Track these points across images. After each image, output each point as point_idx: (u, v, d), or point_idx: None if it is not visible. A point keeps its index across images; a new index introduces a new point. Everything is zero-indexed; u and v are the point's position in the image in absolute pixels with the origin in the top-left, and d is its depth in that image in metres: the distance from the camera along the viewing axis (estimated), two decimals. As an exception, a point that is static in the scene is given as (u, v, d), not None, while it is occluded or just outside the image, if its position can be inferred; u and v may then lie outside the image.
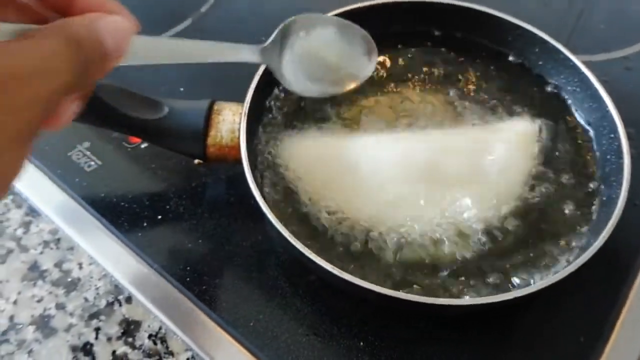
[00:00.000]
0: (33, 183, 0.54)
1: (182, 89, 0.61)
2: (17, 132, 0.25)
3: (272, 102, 0.54)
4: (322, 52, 0.48)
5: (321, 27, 0.48)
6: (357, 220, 0.47)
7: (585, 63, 0.53)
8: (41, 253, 0.51)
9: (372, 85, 0.56)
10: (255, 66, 0.51)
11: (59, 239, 0.52)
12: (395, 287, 0.44)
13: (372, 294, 0.40)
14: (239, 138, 0.47)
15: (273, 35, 0.45)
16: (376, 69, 0.57)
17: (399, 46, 0.60)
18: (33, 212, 0.54)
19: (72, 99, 0.30)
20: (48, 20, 0.29)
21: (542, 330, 0.46)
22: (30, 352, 0.46)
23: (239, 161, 0.46)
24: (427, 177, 0.48)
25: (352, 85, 0.49)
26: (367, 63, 0.49)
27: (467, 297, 0.43)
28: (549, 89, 0.57)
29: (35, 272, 0.50)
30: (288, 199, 0.48)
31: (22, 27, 0.27)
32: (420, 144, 0.50)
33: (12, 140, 0.25)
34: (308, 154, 0.50)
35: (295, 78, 0.47)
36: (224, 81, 0.59)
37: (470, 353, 0.45)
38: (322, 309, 0.47)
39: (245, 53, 0.43)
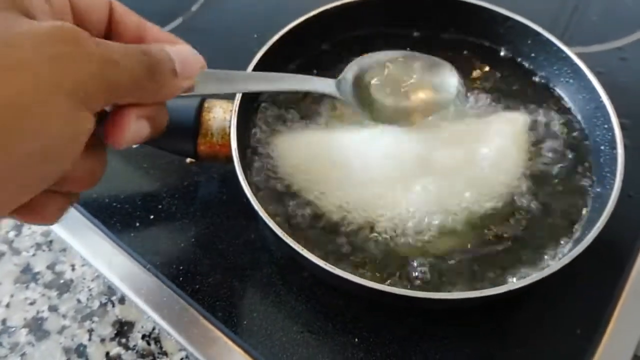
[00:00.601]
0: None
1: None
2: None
3: (264, 100, 0.54)
4: (393, 90, 0.49)
5: (392, 66, 0.50)
6: (350, 215, 0.46)
7: (580, 54, 0.53)
8: (33, 255, 0.51)
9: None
10: (246, 63, 0.51)
11: (51, 241, 0.52)
12: (389, 282, 0.43)
13: (365, 290, 0.40)
14: (229, 135, 0.47)
15: (343, 72, 0.48)
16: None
17: (384, 43, 0.59)
18: (25, 214, 0.54)
19: (138, 113, 0.31)
20: None
21: (538, 324, 0.46)
22: (23, 355, 0.46)
23: (230, 159, 0.46)
24: (419, 170, 0.47)
25: (429, 116, 0.50)
26: (444, 92, 0.50)
27: (459, 291, 0.43)
28: (541, 80, 0.56)
29: (27, 274, 0.50)
30: (280, 196, 0.48)
31: None
32: (411, 137, 0.49)
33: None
34: (300, 150, 0.50)
35: (370, 112, 0.49)
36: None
37: (465, 348, 0.44)
38: (316, 306, 0.46)
39: (320, 85, 0.46)
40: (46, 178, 0.27)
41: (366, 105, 0.49)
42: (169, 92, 0.32)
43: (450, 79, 0.50)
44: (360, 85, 0.48)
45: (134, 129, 0.31)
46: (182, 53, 0.33)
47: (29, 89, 0.24)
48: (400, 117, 0.49)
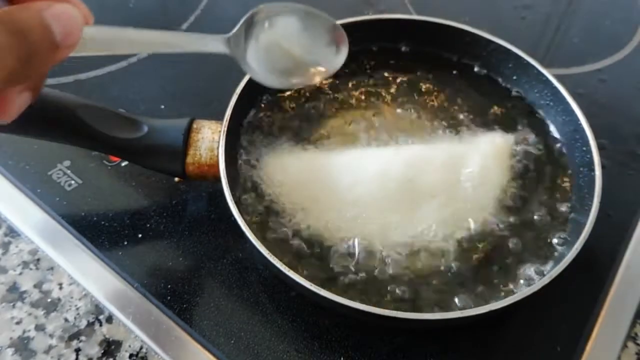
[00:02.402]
0: (12, 203, 0.54)
1: (162, 107, 0.62)
2: None
3: (252, 120, 0.55)
4: (286, 42, 0.46)
5: (287, 17, 0.46)
6: (336, 235, 0.47)
7: (560, 76, 0.55)
8: (20, 274, 0.51)
9: (347, 102, 0.57)
10: (235, 83, 0.52)
11: (38, 259, 0.52)
12: (375, 302, 0.44)
13: (351, 310, 0.40)
14: (217, 156, 0.47)
15: (238, 25, 0.44)
16: (349, 85, 0.58)
17: (370, 63, 0.61)
18: (12, 232, 0.54)
19: (20, 89, 0.30)
20: None
21: (519, 341, 0.47)
22: (9, 374, 0.46)
23: (218, 179, 0.47)
24: (403, 191, 0.48)
25: (318, 78, 0.48)
26: (335, 55, 0.48)
27: (442, 311, 0.43)
28: (522, 103, 0.58)
29: (14, 293, 0.50)
30: (268, 216, 0.49)
31: None
32: (396, 158, 0.50)
33: None
34: (287, 170, 0.51)
35: (260, 68, 0.45)
36: (204, 99, 0.60)
37: (449, 366, 0.45)
38: (303, 325, 0.47)
39: (210, 43, 0.42)
40: None
41: (258, 64, 0.45)
42: (48, 66, 0.29)
43: (340, 41, 0.49)
44: (251, 39, 0.45)
45: (18, 103, 0.30)
46: (64, 16, 0.29)
47: None
48: (287, 77, 0.47)
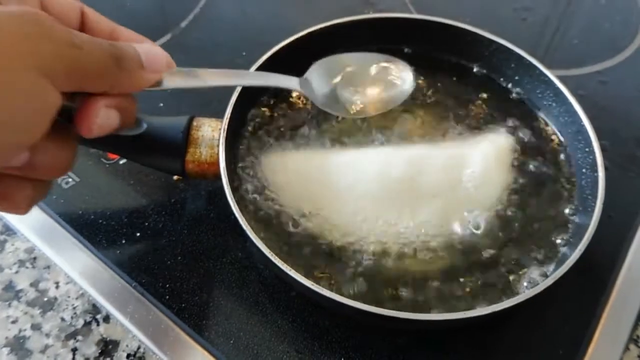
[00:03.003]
0: None
1: (161, 105, 0.61)
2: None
3: (252, 118, 0.54)
4: (353, 83, 0.52)
5: (351, 62, 0.53)
6: (337, 235, 0.47)
7: (560, 78, 0.54)
8: (16, 272, 0.51)
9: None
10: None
11: (34, 258, 0.51)
12: (375, 302, 0.44)
13: (352, 310, 0.40)
14: (218, 154, 0.47)
15: (310, 70, 0.51)
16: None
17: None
18: (8, 230, 0.53)
19: (107, 102, 0.32)
20: None
21: (521, 344, 0.46)
22: (4, 374, 0.45)
23: (218, 177, 0.46)
24: (404, 191, 0.48)
25: (386, 108, 0.52)
26: (398, 86, 0.53)
27: (444, 312, 0.43)
28: (523, 103, 0.58)
29: (10, 292, 0.49)
30: (268, 215, 0.48)
31: None
32: (397, 159, 0.50)
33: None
34: (287, 169, 0.50)
35: (330, 103, 0.51)
36: (203, 97, 0.60)
37: (451, 367, 0.45)
38: (303, 326, 0.46)
39: (283, 81, 0.48)
40: (13, 149, 0.29)
41: (328, 101, 0.51)
42: (136, 83, 0.34)
43: (404, 74, 0.53)
44: (322, 83, 0.51)
45: (103, 117, 0.32)
46: (150, 49, 0.35)
47: None
48: (359, 110, 0.52)
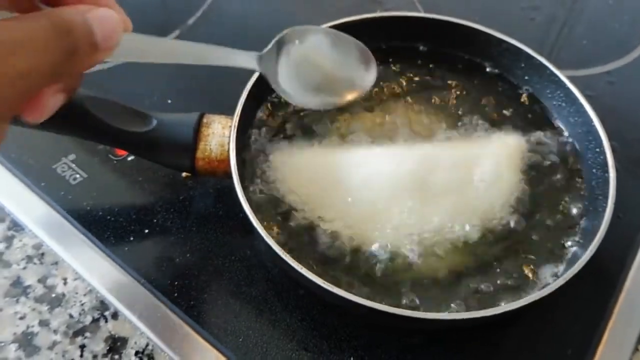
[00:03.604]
0: (16, 196, 0.53)
1: (169, 101, 0.61)
2: None
3: (262, 115, 0.54)
4: (318, 62, 0.48)
5: (317, 38, 0.48)
6: (347, 233, 0.47)
7: (569, 78, 0.54)
8: (24, 268, 0.50)
9: (362, 99, 0.56)
10: (245, 79, 0.51)
11: (42, 254, 0.51)
12: (385, 301, 0.43)
13: (362, 308, 0.40)
14: (228, 151, 0.47)
15: (270, 44, 0.45)
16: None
17: (387, 61, 0.60)
18: (16, 226, 0.53)
19: (55, 89, 0.30)
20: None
21: (530, 344, 0.46)
22: (12, 370, 0.45)
23: (228, 175, 0.46)
24: (415, 190, 0.48)
25: (350, 97, 0.49)
26: (365, 74, 0.49)
27: (455, 311, 0.43)
28: (533, 103, 0.57)
29: (18, 288, 0.49)
30: (278, 213, 0.48)
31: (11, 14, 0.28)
32: (408, 158, 0.50)
33: None
34: (298, 167, 0.50)
35: (292, 89, 0.46)
36: (213, 94, 0.60)
37: (460, 367, 0.45)
38: (311, 324, 0.46)
39: (242, 59, 0.43)
40: None
41: (289, 83, 0.46)
42: (86, 66, 0.30)
43: (369, 62, 0.50)
44: (282, 59, 0.46)
45: (51, 104, 0.30)
46: (106, 20, 0.30)
47: None
48: (319, 96, 0.48)
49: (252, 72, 0.51)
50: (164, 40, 0.38)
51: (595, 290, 0.49)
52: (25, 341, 0.46)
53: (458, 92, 0.58)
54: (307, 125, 0.54)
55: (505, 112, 0.56)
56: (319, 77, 0.47)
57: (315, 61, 0.48)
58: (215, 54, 0.41)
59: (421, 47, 0.61)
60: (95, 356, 0.46)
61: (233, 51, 0.42)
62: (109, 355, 0.46)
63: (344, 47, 0.49)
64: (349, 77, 0.49)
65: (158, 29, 0.69)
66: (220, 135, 0.48)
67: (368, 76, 0.49)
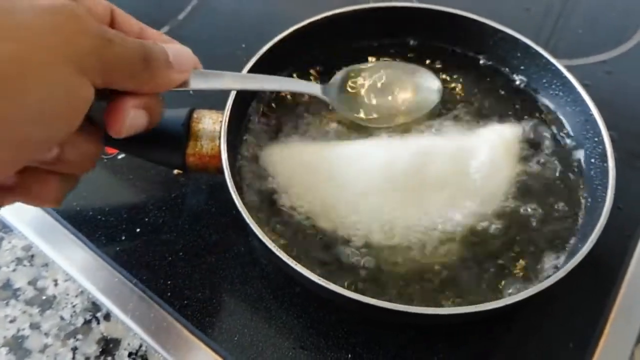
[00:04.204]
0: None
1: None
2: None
3: (254, 110, 0.53)
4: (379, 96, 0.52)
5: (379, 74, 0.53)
6: (342, 228, 0.46)
7: (565, 67, 0.53)
8: (14, 270, 0.49)
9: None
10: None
11: (32, 256, 0.50)
12: (382, 296, 0.43)
13: (359, 305, 0.39)
14: (219, 147, 0.46)
15: (333, 79, 0.52)
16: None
17: (374, 54, 0.59)
18: (5, 227, 0.52)
19: (136, 103, 0.33)
20: None
21: (532, 337, 0.45)
22: (2, 375, 0.44)
23: (220, 170, 0.45)
24: (410, 183, 0.47)
25: (411, 118, 0.52)
26: (425, 96, 0.53)
27: (453, 306, 0.42)
28: (530, 93, 0.57)
29: (7, 290, 0.48)
30: (271, 208, 0.47)
31: None
32: (404, 150, 0.49)
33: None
34: (291, 161, 0.49)
35: (350, 112, 0.51)
36: (202, 90, 0.58)
37: (460, 362, 0.44)
38: (308, 322, 0.45)
39: (307, 88, 0.50)
40: (42, 141, 0.29)
41: (351, 109, 0.52)
42: (164, 82, 0.34)
43: (431, 82, 0.54)
44: (345, 90, 0.52)
45: (132, 117, 0.33)
46: (177, 49, 0.36)
47: (29, 51, 0.26)
48: (384, 119, 0.52)
49: (240, 66, 0.50)
50: (235, 75, 0.43)
51: (596, 282, 0.48)
52: (16, 345, 0.45)
53: (452, 85, 0.57)
54: (300, 120, 0.53)
55: (500, 102, 0.56)
56: (378, 105, 0.52)
57: (374, 92, 0.53)
58: (282, 85, 0.49)
59: (413, 41, 0.60)
60: (87, 358, 0.45)
61: (298, 81, 0.52)
62: (102, 357, 0.45)
63: (403, 73, 0.54)
64: (410, 104, 0.53)
65: (148, 24, 0.67)
66: (211, 130, 0.47)
67: (428, 99, 0.53)
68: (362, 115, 0.52)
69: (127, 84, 0.32)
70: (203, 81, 0.38)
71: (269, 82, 0.47)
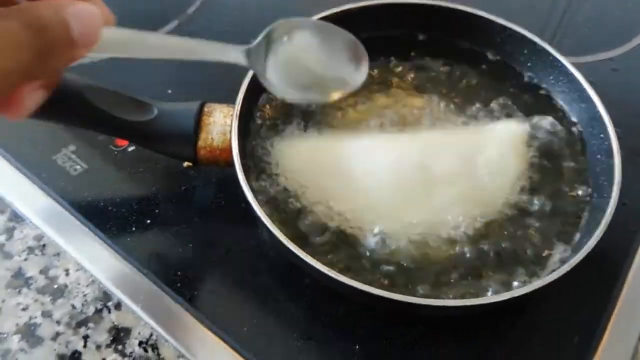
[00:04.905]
0: (17, 188, 0.53)
1: (170, 91, 0.60)
2: None
3: (264, 104, 0.54)
4: (306, 57, 0.45)
5: (307, 32, 0.45)
6: (351, 222, 0.46)
7: (572, 65, 0.54)
8: (25, 260, 0.50)
9: (361, 89, 0.55)
10: (245, 68, 0.51)
11: (44, 245, 0.51)
12: (390, 289, 0.43)
13: (368, 297, 0.39)
14: (230, 140, 0.46)
15: (258, 38, 0.43)
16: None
17: (384, 51, 0.59)
18: (17, 217, 0.52)
19: (34, 86, 0.29)
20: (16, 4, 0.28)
21: (537, 332, 0.46)
22: (15, 362, 0.44)
23: (230, 164, 0.46)
24: (419, 178, 0.47)
25: (338, 94, 0.46)
26: (355, 71, 0.46)
27: (461, 299, 0.43)
28: (537, 90, 0.57)
29: (19, 279, 0.49)
30: (280, 201, 0.48)
31: None
32: (412, 146, 0.50)
33: None
34: (301, 155, 0.50)
35: (280, 83, 0.43)
36: (213, 83, 0.59)
37: (465, 354, 0.45)
38: (316, 314, 0.46)
39: (229, 53, 0.41)
40: None
41: (277, 78, 0.43)
42: (63, 63, 0.29)
43: (360, 58, 0.47)
44: (271, 53, 0.43)
45: (31, 101, 0.30)
46: (83, 14, 0.28)
47: None
48: (308, 92, 0.45)
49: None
50: (149, 35, 0.35)
51: (600, 277, 0.49)
52: (28, 332, 0.46)
53: (459, 80, 0.57)
54: (310, 115, 0.53)
55: (508, 98, 0.56)
56: (308, 74, 0.45)
57: (304, 57, 0.45)
58: (202, 49, 0.39)
59: (420, 37, 0.60)
60: (98, 347, 0.45)
61: (221, 45, 0.40)
62: (113, 346, 0.45)
63: (336, 41, 0.46)
64: (339, 74, 0.46)
65: (156, 19, 0.68)
66: (222, 124, 0.48)
67: (359, 74, 0.46)
68: (286, 91, 0.44)
69: (22, 80, 0.28)
70: (112, 48, 0.32)
71: (185, 49, 0.39)
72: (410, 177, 0.48)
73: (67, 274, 0.49)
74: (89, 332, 0.46)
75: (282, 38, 0.43)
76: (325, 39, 0.45)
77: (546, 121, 0.54)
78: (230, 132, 0.47)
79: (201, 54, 0.39)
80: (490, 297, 0.39)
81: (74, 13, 0.28)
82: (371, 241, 0.46)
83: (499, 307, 0.41)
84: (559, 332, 0.46)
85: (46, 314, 0.47)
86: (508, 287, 0.44)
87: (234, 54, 0.41)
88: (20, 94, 0.29)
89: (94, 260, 0.49)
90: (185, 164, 0.54)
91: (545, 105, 0.56)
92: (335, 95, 0.46)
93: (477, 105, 0.55)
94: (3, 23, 0.25)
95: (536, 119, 0.54)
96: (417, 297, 0.42)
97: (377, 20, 0.59)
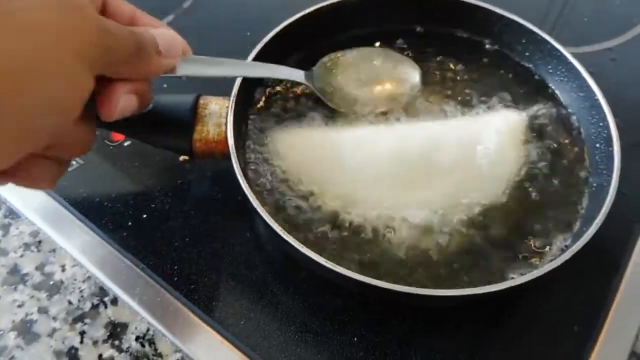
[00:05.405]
0: (12, 184, 0.52)
1: (165, 85, 0.60)
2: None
3: (259, 96, 0.53)
4: (351, 80, 0.53)
5: (360, 58, 0.54)
6: (348, 213, 0.46)
7: (571, 54, 0.53)
8: (21, 256, 0.50)
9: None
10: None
11: (40, 241, 0.51)
12: (388, 279, 0.43)
13: (366, 288, 0.39)
14: (226, 132, 0.46)
15: (317, 64, 0.53)
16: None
17: (382, 44, 0.59)
18: (12, 214, 0.52)
19: (129, 88, 0.34)
20: None
21: (537, 320, 0.46)
22: (12, 358, 0.44)
23: (226, 156, 0.45)
24: (418, 168, 0.47)
25: (391, 106, 0.52)
26: (407, 87, 0.53)
27: (460, 288, 0.42)
28: (535, 79, 0.57)
29: (15, 276, 0.48)
30: (277, 193, 0.47)
31: None
32: (410, 135, 0.49)
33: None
34: (297, 147, 0.49)
35: (334, 98, 0.52)
36: (208, 78, 0.58)
37: (464, 345, 0.44)
38: (314, 306, 0.46)
39: (292, 74, 0.50)
40: (47, 131, 0.29)
41: (334, 96, 0.52)
42: (153, 69, 0.36)
43: (411, 72, 0.54)
44: (328, 77, 0.53)
45: (123, 102, 0.34)
46: (166, 35, 0.37)
47: (33, 47, 0.27)
48: (364, 106, 0.52)
49: (245, 54, 0.50)
50: (222, 60, 0.43)
51: (600, 266, 0.49)
52: (25, 329, 0.46)
53: (457, 70, 0.57)
54: (306, 106, 0.53)
55: (506, 88, 0.55)
56: (359, 93, 0.53)
57: (350, 79, 0.53)
58: (269, 71, 0.49)
59: (418, 29, 0.60)
60: (95, 342, 0.45)
61: (285, 68, 0.50)
62: (110, 341, 0.45)
63: (389, 64, 0.55)
64: (391, 91, 0.53)
65: (153, 12, 0.67)
66: (217, 116, 0.47)
67: (411, 88, 0.53)
68: (342, 102, 0.52)
69: (121, 72, 0.33)
70: (190, 67, 0.39)
71: (251, 68, 0.48)
72: (409, 166, 0.47)
73: (63, 270, 0.49)
74: (85, 327, 0.46)
75: (330, 66, 0.53)
76: (380, 62, 0.55)
77: (545, 110, 0.54)
78: (226, 124, 0.46)
79: (268, 75, 0.51)
80: (489, 287, 0.39)
81: (159, 33, 0.36)
82: (369, 231, 0.45)
83: (498, 297, 0.40)
84: (559, 321, 0.46)
85: (42, 310, 0.47)
86: (507, 276, 0.43)
87: (295, 75, 0.51)
88: (116, 92, 0.33)
89: (90, 256, 0.49)
90: (181, 157, 0.54)
91: (543, 95, 0.55)
92: (386, 107, 0.52)
93: (476, 95, 0.54)
94: (121, 28, 0.32)
95: (535, 108, 0.54)
96: (415, 287, 0.42)
97: (374, 12, 0.58)
